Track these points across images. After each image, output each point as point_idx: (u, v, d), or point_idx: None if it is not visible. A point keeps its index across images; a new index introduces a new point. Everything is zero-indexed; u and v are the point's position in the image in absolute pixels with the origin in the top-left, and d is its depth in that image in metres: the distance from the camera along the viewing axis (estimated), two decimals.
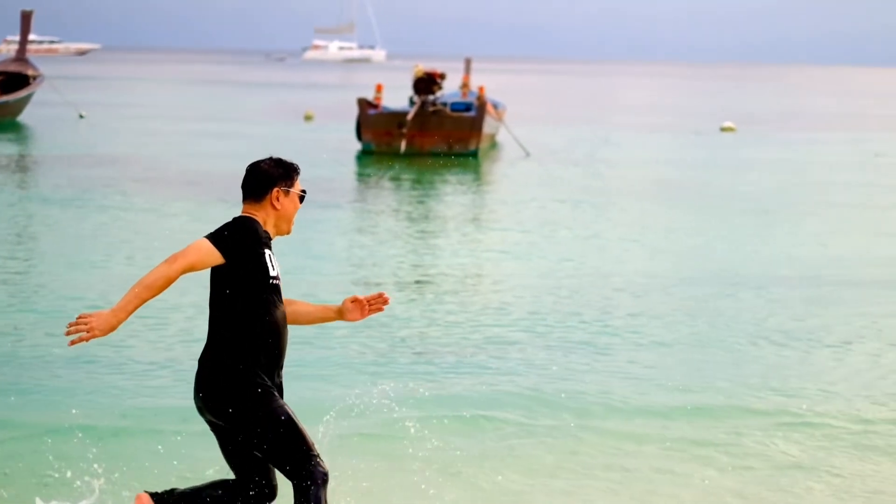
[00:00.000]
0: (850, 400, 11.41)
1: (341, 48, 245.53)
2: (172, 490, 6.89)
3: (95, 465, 8.45)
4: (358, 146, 37.81)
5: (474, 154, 37.00)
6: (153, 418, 10.36)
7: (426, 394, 11.03)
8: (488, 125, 38.44)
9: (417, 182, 30.79)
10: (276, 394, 6.66)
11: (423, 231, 22.29)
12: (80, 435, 9.38)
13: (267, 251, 6.72)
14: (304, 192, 6.96)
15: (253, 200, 6.80)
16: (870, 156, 41.60)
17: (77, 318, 6.43)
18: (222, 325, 6.65)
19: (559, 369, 12.33)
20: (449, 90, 40.67)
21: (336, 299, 14.68)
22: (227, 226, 6.70)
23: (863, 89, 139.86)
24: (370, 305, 7.08)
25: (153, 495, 6.81)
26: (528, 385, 11.69)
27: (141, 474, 8.57)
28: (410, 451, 9.29)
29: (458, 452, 9.39)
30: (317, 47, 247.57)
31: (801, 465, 9.57)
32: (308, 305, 7.11)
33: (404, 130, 36.66)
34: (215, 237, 6.62)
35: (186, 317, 14.02)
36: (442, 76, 38.32)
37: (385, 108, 38.49)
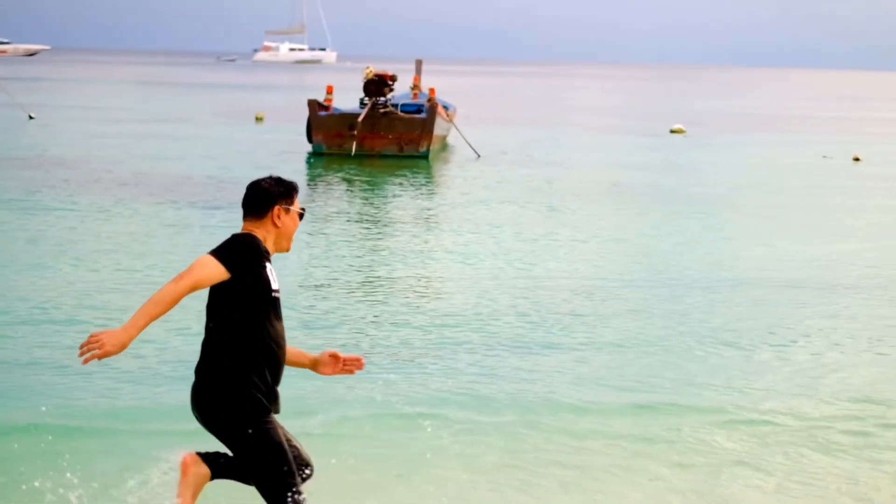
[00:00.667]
0: (792, 398, 11.57)
1: (292, 49, 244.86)
2: (217, 453, 6.97)
3: (69, 475, 8.48)
4: (309, 148, 37.79)
5: (425, 156, 37.06)
6: (127, 421, 10.35)
7: (374, 394, 11.12)
8: (439, 127, 38.51)
9: (368, 184, 30.83)
10: (271, 413, 6.77)
11: (373, 233, 22.35)
12: (49, 438, 9.41)
13: (268, 265, 6.82)
14: (303, 209, 7.09)
15: (254, 218, 6.91)
16: (817, 158, 41.92)
17: (88, 338, 6.44)
18: (222, 338, 6.74)
19: (508, 370, 12.43)
20: (400, 92, 40.71)
21: (293, 306, 14.80)
22: (229, 242, 6.76)
23: (811, 92, 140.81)
24: (344, 365, 7.20)
25: (202, 455, 6.92)
26: (476, 385, 11.78)
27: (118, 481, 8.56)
28: (358, 450, 9.37)
29: (406, 451, 9.49)
30: (267, 49, 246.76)
31: (744, 462, 9.74)
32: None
33: (355, 132, 36.68)
34: (220, 253, 6.67)
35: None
36: (393, 78, 38.35)
37: (336, 109, 38.49)
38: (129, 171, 30.57)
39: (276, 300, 6.84)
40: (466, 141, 38.92)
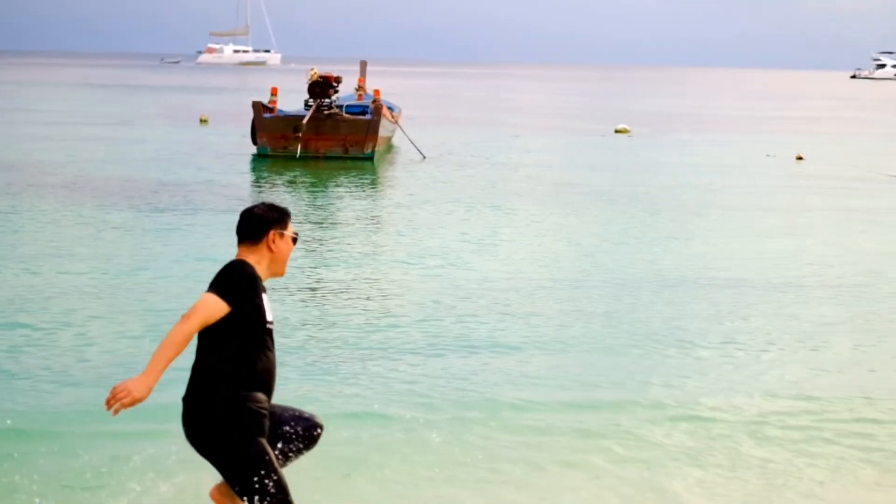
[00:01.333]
0: (733, 395, 11.70)
1: (236, 51, 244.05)
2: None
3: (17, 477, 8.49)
4: (253, 150, 37.70)
5: (370, 157, 37.06)
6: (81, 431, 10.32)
7: (319, 394, 11.16)
8: (384, 128, 38.52)
9: (313, 186, 30.80)
10: (263, 433, 6.96)
11: (318, 235, 22.33)
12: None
13: (263, 295, 7.05)
14: (296, 234, 7.32)
15: (250, 244, 7.16)
16: (761, 157, 42.21)
17: (113, 391, 6.58)
18: (220, 366, 6.88)
19: (452, 370, 12.47)
20: (344, 93, 40.70)
21: None
22: (226, 274, 6.98)
23: (756, 91, 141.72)
24: None
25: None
26: (420, 385, 11.82)
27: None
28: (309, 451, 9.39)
29: (350, 450, 9.51)
30: (211, 50, 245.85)
31: (684, 456, 9.88)
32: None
33: (300, 134, 36.64)
34: (221, 290, 6.88)
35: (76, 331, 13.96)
36: (337, 80, 38.32)
37: (280, 111, 38.42)
38: (73, 175, 30.39)
39: (270, 331, 7.06)
40: (412, 142, 38.96)
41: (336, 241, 21.64)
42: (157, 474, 8.67)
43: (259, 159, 36.55)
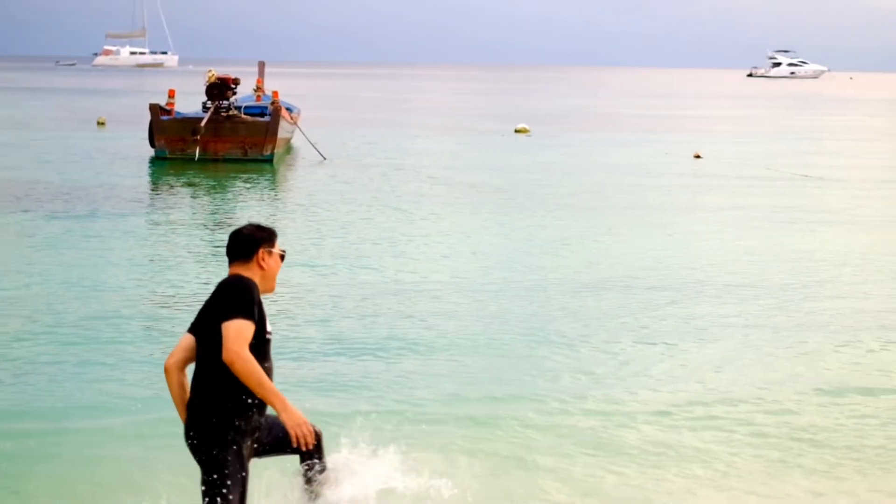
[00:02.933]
0: (637, 388, 11.81)
1: (133, 53, 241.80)
2: None
3: None
4: (151, 152, 37.35)
5: (269, 159, 36.86)
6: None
7: None
8: (283, 130, 38.36)
9: (212, 189, 30.56)
10: (244, 457, 7.23)
11: (218, 240, 22.16)
12: None
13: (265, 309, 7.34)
14: (283, 251, 7.66)
15: (240, 262, 7.46)
16: (659, 155, 42.57)
17: (303, 436, 7.15)
18: (219, 374, 7.12)
19: (354, 375, 12.45)
20: (243, 94, 40.47)
21: (127, 313, 14.59)
22: (238, 293, 7.22)
23: (653, 91, 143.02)
24: None
25: None
26: (326, 385, 11.80)
27: None
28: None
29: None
30: (108, 52, 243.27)
31: (599, 448, 10.10)
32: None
33: (198, 137, 36.35)
34: (245, 312, 7.12)
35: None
36: (235, 81, 38.09)
37: (178, 113, 38.11)
38: None
39: (269, 341, 7.35)
40: (311, 144, 38.83)
41: None
42: None
43: (157, 162, 36.22)
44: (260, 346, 7.20)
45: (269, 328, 7.34)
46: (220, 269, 18.84)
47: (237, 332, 7.02)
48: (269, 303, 15.22)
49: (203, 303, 7.42)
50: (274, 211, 26.31)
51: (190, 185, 31.17)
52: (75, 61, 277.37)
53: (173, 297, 16.51)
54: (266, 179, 32.81)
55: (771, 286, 17.98)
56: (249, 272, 7.41)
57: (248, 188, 30.44)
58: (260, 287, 7.38)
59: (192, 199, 28.29)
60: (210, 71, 38.86)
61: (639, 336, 14.40)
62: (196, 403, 7.22)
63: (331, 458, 7.86)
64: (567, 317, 15.36)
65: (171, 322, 14.80)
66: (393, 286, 17.34)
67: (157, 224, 23.92)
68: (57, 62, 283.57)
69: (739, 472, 9.75)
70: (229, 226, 23.98)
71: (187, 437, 7.25)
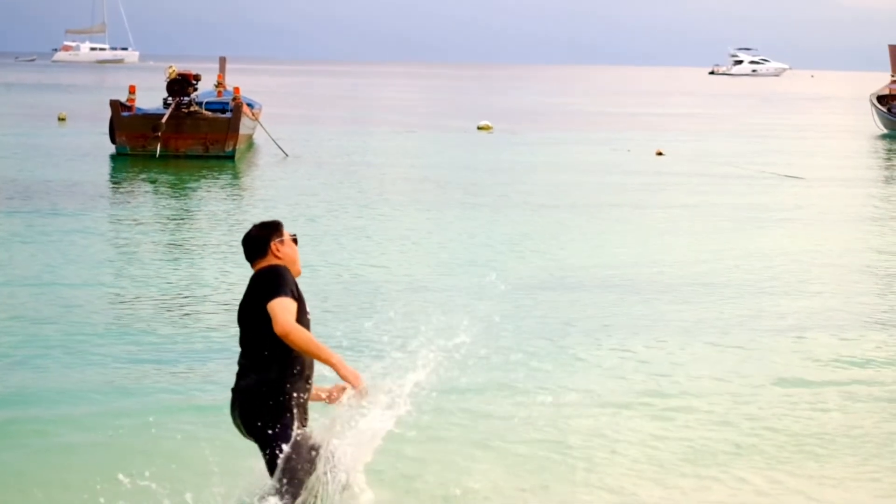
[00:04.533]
0: (598, 385, 11.90)
1: (93, 49, 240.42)
2: None
3: None
4: (112, 149, 37.16)
5: (231, 156, 36.73)
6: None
7: (182, 391, 11.07)
8: (244, 126, 38.22)
9: (173, 186, 30.44)
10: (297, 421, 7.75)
11: (180, 238, 22.11)
12: None
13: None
14: (294, 235, 8.16)
15: (260, 259, 8.00)
16: (622, 153, 42.67)
17: (360, 389, 7.72)
18: (267, 356, 7.68)
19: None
20: (204, 90, 40.32)
21: (87, 309, 14.56)
22: (271, 278, 7.77)
23: (615, 88, 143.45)
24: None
25: None
26: None
27: None
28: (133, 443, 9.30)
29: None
30: (67, 48, 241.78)
31: (549, 441, 10.19)
32: None
33: (159, 133, 36.18)
34: (282, 291, 7.64)
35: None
36: (196, 77, 37.94)
37: (139, 109, 37.94)
38: None
39: (309, 321, 7.90)
40: (273, 140, 38.74)
41: (197, 241, 21.43)
42: None
43: (118, 158, 36.03)
44: (302, 326, 7.65)
45: (308, 309, 7.87)
46: (181, 265, 18.82)
47: (282, 308, 7.54)
48: (228, 303, 15.19)
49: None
50: (236, 208, 26.24)
51: (151, 181, 31.06)
52: (35, 57, 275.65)
53: (134, 292, 16.45)
54: (228, 176, 32.71)
55: (728, 283, 18.10)
56: (266, 264, 7.95)
57: (210, 185, 30.34)
58: None
59: (153, 196, 28.19)
60: (171, 67, 38.71)
61: (591, 332, 14.44)
62: (242, 386, 7.76)
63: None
64: (524, 314, 15.36)
65: (131, 317, 14.76)
66: (354, 283, 17.33)
67: (119, 220, 23.82)
68: (16, 58, 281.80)
69: (699, 458, 9.85)
70: (191, 222, 23.92)
71: (235, 421, 7.82)
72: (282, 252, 7.99)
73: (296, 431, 7.69)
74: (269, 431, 7.66)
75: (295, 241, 8.15)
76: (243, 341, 7.87)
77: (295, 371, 7.71)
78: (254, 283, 7.86)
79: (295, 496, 7.67)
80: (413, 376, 8.19)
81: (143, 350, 13.18)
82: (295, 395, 7.71)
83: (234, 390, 7.85)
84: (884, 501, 9.29)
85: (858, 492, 9.42)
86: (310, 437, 7.78)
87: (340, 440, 7.84)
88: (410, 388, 8.09)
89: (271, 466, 7.70)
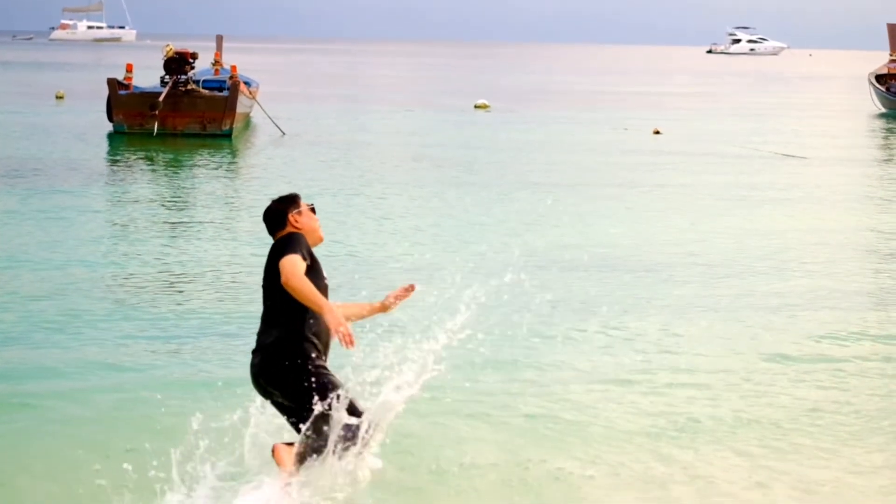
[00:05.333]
0: (588, 363, 11.96)
1: (90, 27, 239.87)
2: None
3: None
4: (110, 127, 37.16)
5: (228, 134, 36.72)
6: None
7: (177, 371, 11.12)
8: (241, 104, 38.20)
9: (171, 164, 30.47)
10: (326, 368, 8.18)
11: (175, 216, 22.14)
12: None
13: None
14: (311, 204, 8.64)
15: (280, 232, 8.45)
16: (618, 131, 42.66)
17: (342, 335, 7.75)
18: (284, 312, 8.09)
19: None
20: (201, 68, 40.29)
21: (85, 286, 14.60)
22: (291, 240, 8.23)
23: (612, 67, 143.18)
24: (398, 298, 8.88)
25: (289, 444, 8.13)
26: None
27: None
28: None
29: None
30: (65, 27, 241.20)
31: (534, 415, 10.29)
32: (354, 306, 8.90)
33: (156, 112, 36.18)
34: (293, 250, 8.10)
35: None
36: (193, 56, 37.94)
37: (136, 88, 37.92)
38: None
39: (326, 287, 8.29)
40: (270, 118, 38.73)
41: (193, 220, 21.46)
42: None
43: (116, 137, 36.03)
44: (316, 283, 8.01)
45: (325, 275, 8.31)
46: (178, 243, 18.85)
47: (290, 262, 7.96)
48: (223, 281, 15.25)
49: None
50: (232, 186, 26.27)
51: (148, 159, 31.07)
52: (32, 35, 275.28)
53: (130, 269, 16.49)
54: (225, 154, 32.72)
55: (723, 261, 18.14)
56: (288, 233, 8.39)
57: (207, 163, 30.35)
58: (309, 243, 8.35)
59: (150, 174, 28.22)
60: (168, 45, 38.71)
61: (585, 309, 14.47)
62: (264, 343, 8.16)
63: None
64: (519, 292, 15.34)
65: (127, 294, 14.80)
66: (352, 262, 17.36)
67: (116, 198, 23.86)
68: (14, 36, 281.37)
69: (695, 433, 9.95)
70: (187, 200, 23.94)
71: (256, 381, 8.19)
72: (300, 222, 8.46)
73: (325, 378, 8.04)
74: (294, 383, 8.00)
75: (313, 210, 8.60)
76: (265, 303, 8.27)
77: (311, 321, 8.09)
78: (271, 249, 8.29)
79: (319, 449, 8.01)
80: (428, 346, 8.51)
81: (139, 326, 13.21)
82: (315, 344, 8.13)
83: (255, 350, 8.22)
84: (877, 476, 9.35)
85: (852, 466, 9.48)
86: (337, 387, 8.05)
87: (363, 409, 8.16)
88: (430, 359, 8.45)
89: (296, 414, 8.06)
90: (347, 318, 8.27)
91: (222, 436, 8.63)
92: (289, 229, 8.44)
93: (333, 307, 7.91)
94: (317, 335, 8.15)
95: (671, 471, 9.26)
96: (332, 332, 7.86)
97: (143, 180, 27.06)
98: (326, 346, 8.25)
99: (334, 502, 8.10)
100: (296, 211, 8.51)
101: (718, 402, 10.91)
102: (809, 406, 10.87)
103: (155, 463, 8.41)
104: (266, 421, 8.59)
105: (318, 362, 8.11)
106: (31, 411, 10.26)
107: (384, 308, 8.88)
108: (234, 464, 8.54)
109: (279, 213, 8.52)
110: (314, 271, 8.17)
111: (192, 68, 38.00)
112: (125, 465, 8.53)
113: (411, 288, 8.90)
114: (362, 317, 8.93)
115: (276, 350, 8.09)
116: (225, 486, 8.31)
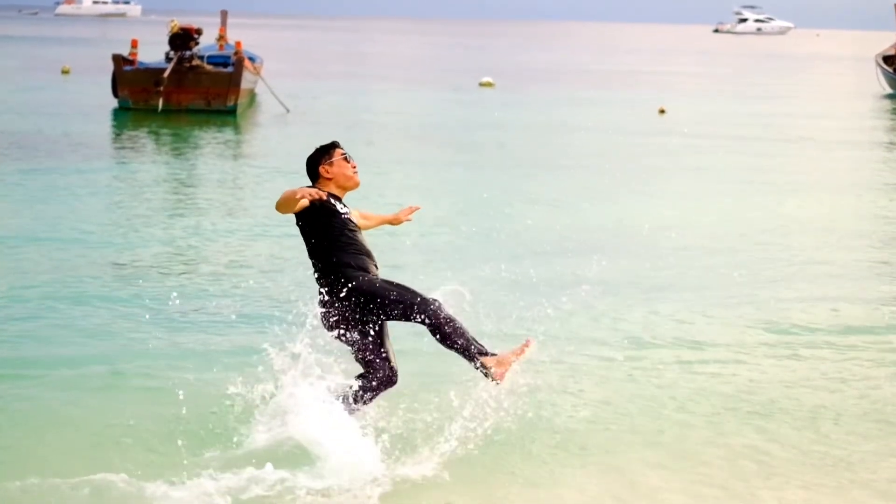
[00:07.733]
0: (595, 344, 11.97)
1: (95, 3, 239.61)
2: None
3: None
4: (115, 103, 37.15)
5: (232, 110, 36.71)
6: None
7: (183, 355, 11.13)
8: (246, 80, 38.16)
9: (175, 140, 30.44)
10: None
11: (181, 192, 22.13)
12: None
13: (333, 200, 8.83)
14: (344, 153, 9.10)
15: (315, 181, 9.02)
16: (623, 111, 42.62)
17: (311, 194, 8.45)
18: (319, 246, 8.66)
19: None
20: (205, 44, 40.25)
21: (89, 261, 14.58)
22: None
23: (618, 46, 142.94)
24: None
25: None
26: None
27: None
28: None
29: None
30: (70, 2, 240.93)
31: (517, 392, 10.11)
32: (371, 215, 9.63)
33: (161, 88, 36.16)
34: (296, 187, 8.64)
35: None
36: (198, 32, 37.86)
37: (141, 63, 37.88)
38: None
39: (348, 218, 8.81)
40: (275, 95, 38.68)
41: (197, 196, 21.46)
42: None
43: (121, 112, 36.04)
44: (339, 225, 8.65)
45: (343, 210, 8.78)
46: (182, 219, 18.84)
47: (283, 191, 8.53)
48: (228, 256, 15.22)
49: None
50: (236, 162, 26.24)
51: (153, 135, 31.06)
52: (38, 10, 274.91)
53: (134, 245, 16.49)
54: (229, 130, 32.71)
55: (728, 242, 18.13)
56: (322, 184, 8.97)
57: (211, 139, 30.34)
58: (341, 189, 8.98)
59: (155, 150, 28.20)
60: (172, 21, 38.62)
61: (589, 288, 14.36)
62: (317, 278, 8.68)
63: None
64: (521, 270, 15.35)
65: (131, 270, 14.81)
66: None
67: (120, 174, 23.86)
68: (20, 11, 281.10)
69: (699, 406, 9.91)
70: (191, 177, 23.93)
71: (322, 319, 8.67)
72: (331, 172, 8.97)
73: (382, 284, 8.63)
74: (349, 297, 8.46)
75: (346, 158, 9.04)
76: (308, 251, 8.76)
77: (342, 241, 8.61)
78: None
79: (455, 341, 8.66)
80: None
81: (142, 301, 13.19)
82: (355, 258, 8.63)
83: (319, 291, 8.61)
84: (874, 454, 9.34)
85: (851, 443, 9.47)
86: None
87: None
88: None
89: (385, 314, 8.58)
90: (364, 227, 9.10)
91: (227, 407, 8.67)
92: (322, 179, 8.94)
93: (311, 189, 8.47)
94: (352, 244, 8.64)
95: (683, 442, 9.25)
96: (306, 197, 8.41)
97: (148, 156, 27.05)
98: (365, 269, 8.63)
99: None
100: (328, 161, 8.99)
101: (727, 379, 10.91)
102: (814, 383, 10.85)
103: (164, 430, 8.59)
104: (271, 390, 8.90)
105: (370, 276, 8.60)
106: (34, 381, 10.28)
107: (396, 220, 9.64)
108: (237, 433, 8.60)
109: (312, 162, 9.04)
110: (330, 210, 8.63)
111: (197, 44, 37.93)
112: (133, 432, 8.75)
113: (417, 208, 9.66)
114: (377, 224, 9.61)
115: (326, 274, 8.57)
116: (228, 455, 8.42)
